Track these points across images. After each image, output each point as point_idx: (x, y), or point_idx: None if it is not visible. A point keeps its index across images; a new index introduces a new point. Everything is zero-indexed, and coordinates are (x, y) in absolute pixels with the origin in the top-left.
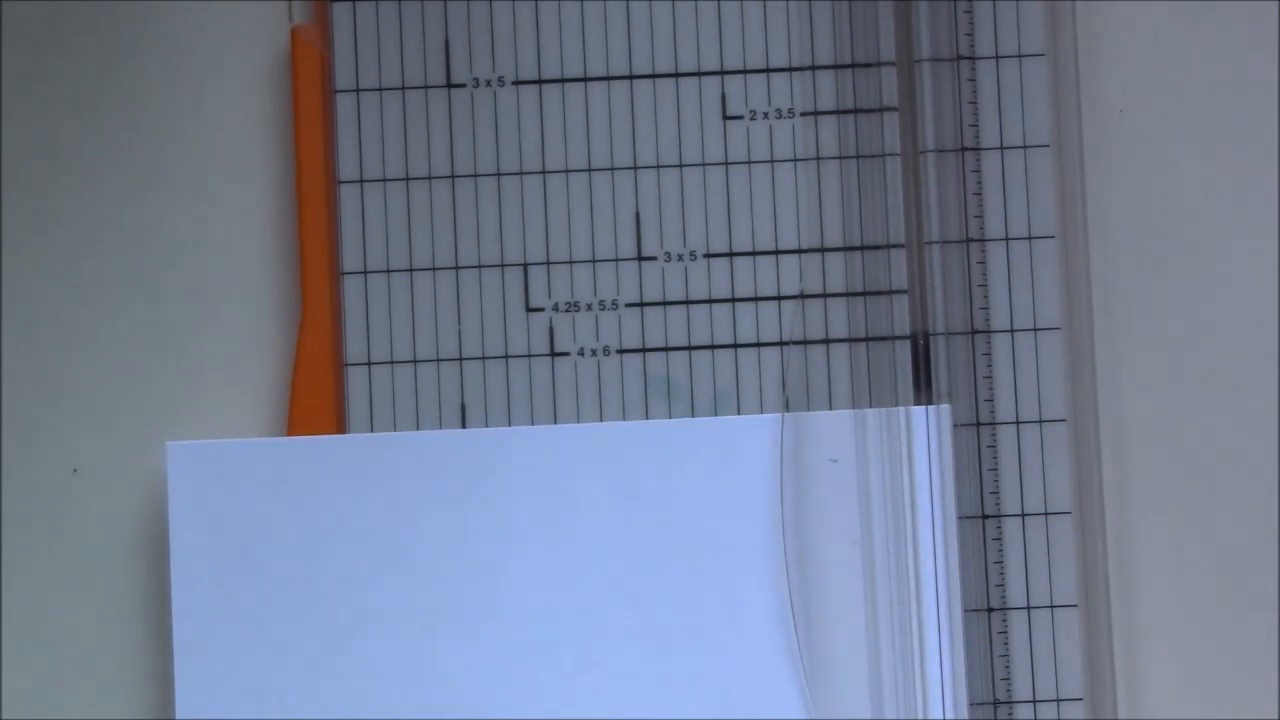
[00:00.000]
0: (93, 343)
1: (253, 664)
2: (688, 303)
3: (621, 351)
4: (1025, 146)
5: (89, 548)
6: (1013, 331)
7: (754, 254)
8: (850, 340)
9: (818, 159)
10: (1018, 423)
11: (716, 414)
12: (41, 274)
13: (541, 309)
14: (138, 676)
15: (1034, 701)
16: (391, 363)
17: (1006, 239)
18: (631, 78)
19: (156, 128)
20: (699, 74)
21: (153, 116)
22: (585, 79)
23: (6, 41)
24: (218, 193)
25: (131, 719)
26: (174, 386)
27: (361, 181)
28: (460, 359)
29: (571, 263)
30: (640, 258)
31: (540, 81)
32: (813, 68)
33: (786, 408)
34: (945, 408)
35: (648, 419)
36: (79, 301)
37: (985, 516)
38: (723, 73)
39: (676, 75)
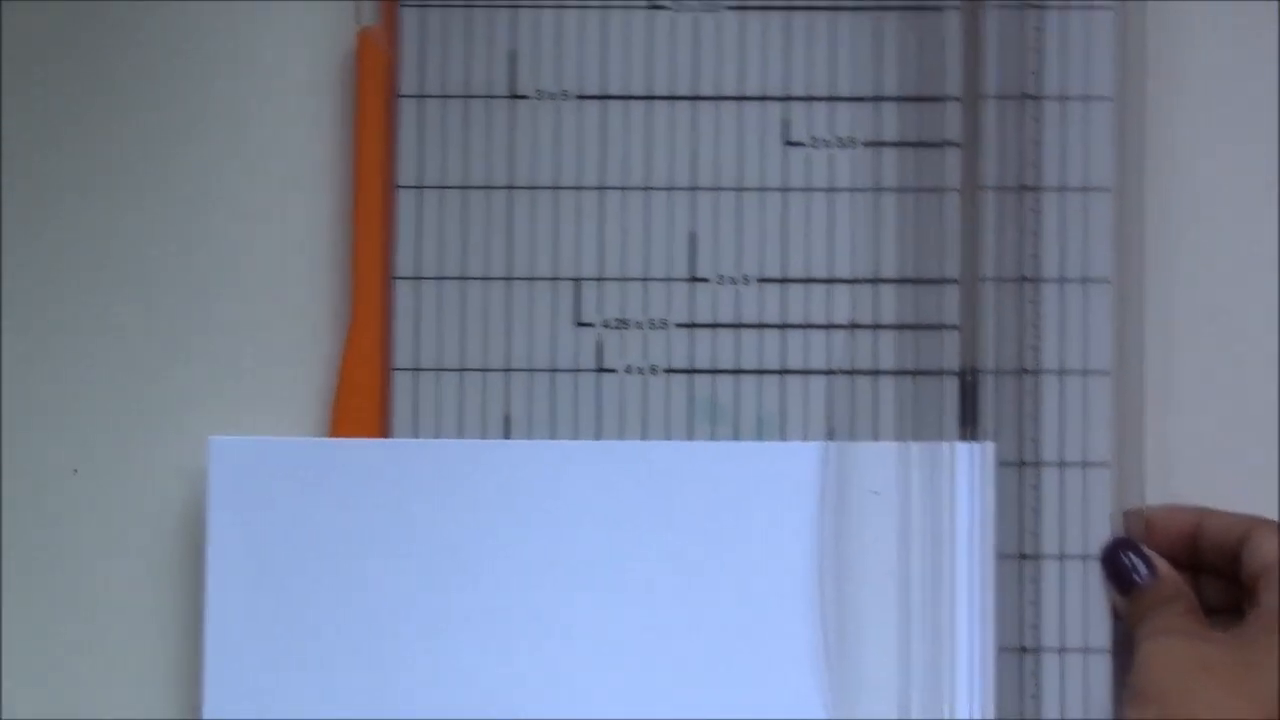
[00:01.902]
0: (143, 337)
1: (282, 663)
2: (738, 326)
3: (669, 371)
4: (1086, 189)
5: (130, 539)
6: (1061, 373)
7: (807, 281)
8: (898, 373)
9: (877, 190)
10: (1061, 464)
11: (760, 439)
12: (97, 270)
13: (591, 324)
14: (168, 670)
15: None
16: (438, 370)
17: (1061, 280)
18: (695, 98)
19: (218, 126)
20: (763, 98)
21: (214, 114)
22: (649, 97)
23: (50, 42)
24: (275, 191)
25: (160, 718)
26: (221, 383)
27: (420, 187)
28: (507, 370)
29: (624, 280)
30: (693, 279)
31: (604, 97)
32: (877, 98)
33: (830, 436)
34: (989, 445)
35: (691, 440)
36: (131, 296)
37: (1023, 556)
38: (787, 98)
39: (740, 99)
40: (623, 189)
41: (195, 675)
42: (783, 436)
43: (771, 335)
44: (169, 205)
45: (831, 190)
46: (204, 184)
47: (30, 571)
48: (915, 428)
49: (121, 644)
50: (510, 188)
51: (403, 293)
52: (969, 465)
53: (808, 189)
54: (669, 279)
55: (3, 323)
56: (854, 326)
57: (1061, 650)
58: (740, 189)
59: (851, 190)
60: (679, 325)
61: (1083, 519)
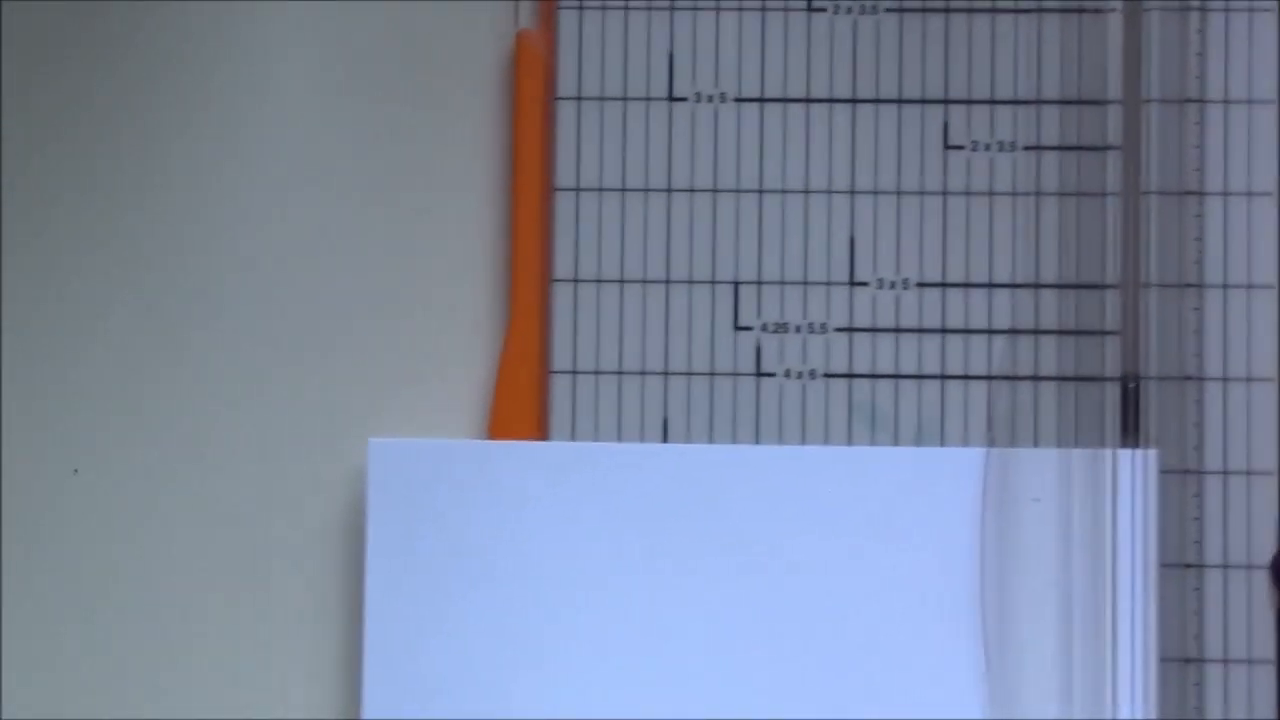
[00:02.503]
0: (303, 340)
1: (441, 663)
2: (897, 330)
3: (828, 375)
4: (1250, 194)
5: (290, 542)
6: (1225, 380)
7: (967, 286)
8: (1059, 379)
9: (1037, 194)
10: (1225, 473)
11: (919, 444)
12: (264, 269)
13: (750, 328)
14: (326, 668)
15: None
16: (597, 373)
17: (1224, 286)
18: (855, 101)
19: (380, 126)
20: (923, 101)
21: (376, 114)
22: (808, 100)
23: (212, 34)
24: (434, 194)
25: (319, 718)
26: (379, 384)
27: (578, 190)
28: (665, 373)
29: (783, 284)
30: (852, 283)
31: (762, 100)
32: (1038, 101)
33: (991, 443)
34: (1152, 452)
35: (850, 445)
36: (291, 297)
37: (1186, 565)
38: (946, 101)
39: (900, 101)
40: (782, 192)
41: (355, 676)
42: (942, 442)
43: (931, 340)
44: (333, 205)
45: (992, 194)
46: (366, 187)
47: (190, 572)
48: (1078, 434)
49: (283, 644)
50: (669, 190)
51: (561, 295)
52: (1131, 473)
53: (967, 193)
54: (829, 283)
55: (112, 318)
56: (1014, 331)
57: (1225, 661)
58: (899, 193)
59: (1012, 194)
60: (838, 329)
61: (1247, 528)
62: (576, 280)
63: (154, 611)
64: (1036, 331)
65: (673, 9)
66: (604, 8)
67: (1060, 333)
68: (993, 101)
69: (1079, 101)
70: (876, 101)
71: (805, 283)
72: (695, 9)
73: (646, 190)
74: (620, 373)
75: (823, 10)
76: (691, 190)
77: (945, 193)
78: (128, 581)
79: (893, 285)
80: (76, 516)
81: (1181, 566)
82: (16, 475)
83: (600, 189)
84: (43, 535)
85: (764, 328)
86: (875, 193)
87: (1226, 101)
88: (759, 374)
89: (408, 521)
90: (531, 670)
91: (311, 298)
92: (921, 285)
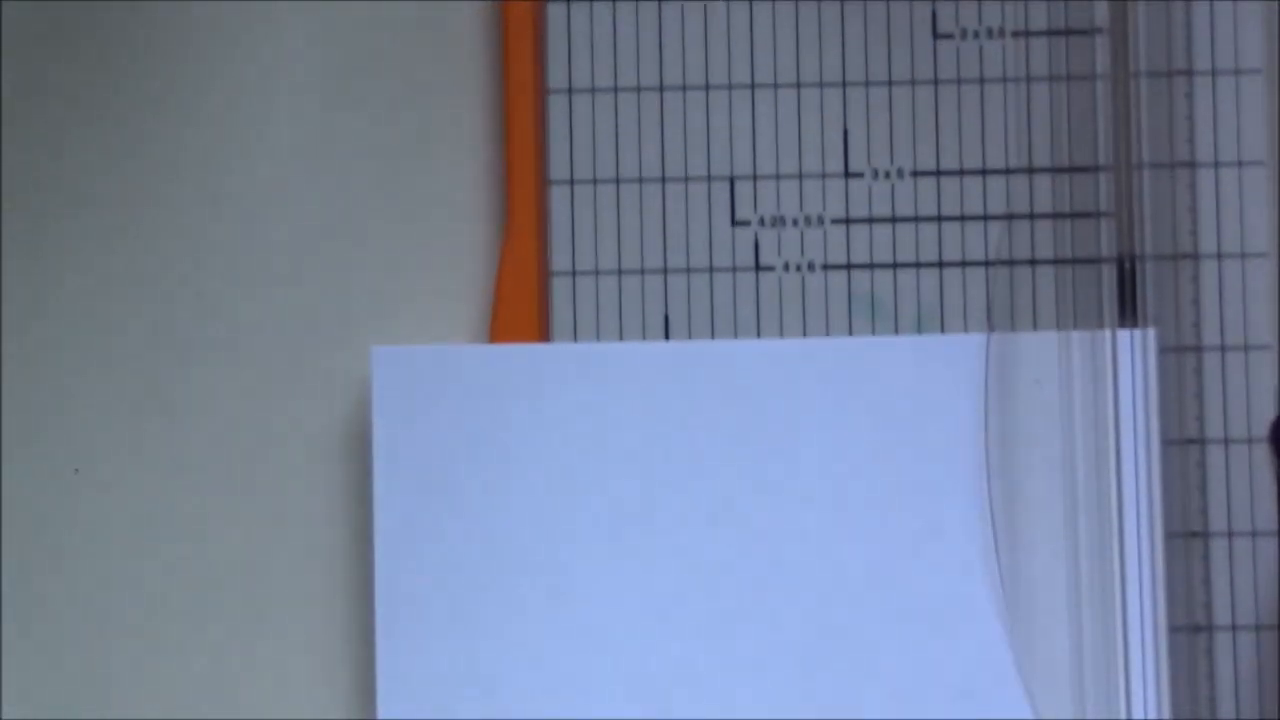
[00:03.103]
0: (301, 250)
1: (450, 564)
2: (893, 220)
3: (826, 268)
4: (1238, 71)
5: (295, 451)
6: (1220, 257)
7: (961, 174)
8: (1056, 262)
9: (1028, 80)
10: (1223, 349)
11: (920, 333)
12: (252, 181)
13: (747, 223)
14: (335, 572)
15: (1233, 628)
16: (596, 273)
17: (1216, 164)
18: None
19: (374, 34)
20: None
21: (369, 22)
22: None
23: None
24: (428, 99)
25: (327, 621)
26: (379, 293)
27: (570, 91)
28: (665, 271)
29: (778, 177)
30: (847, 174)
31: None
32: None
33: (991, 328)
34: (1150, 331)
35: (851, 336)
36: (286, 211)
37: (1188, 441)
38: None
39: None
40: (774, 86)
41: (366, 579)
42: (943, 330)
43: (927, 228)
44: (329, 116)
45: (983, 81)
46: (361, 97)
47: (196, 490)
48: (1076, 317)
49: (290, 547)
50: (661, 89)
51: (558, 197)
52: (1130, 352)
53: (958, 80)
54: (824, 175)
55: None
56: (1010, 217)
57: (1229, 534)
58: (891, 83)
59: (1003, 81)
60: (835, 221)
61: (1247, 402)
62: (573, 182)
63: (154, 610)
64: (1032, 216)
65: None
66: None
67: (1055, 216)
68: None
69: None
70: None
71: (800, 176)
72: None
73: (639, 89)
74: (620, 272)
75: None
76: (684, 88)
77: (936, 81)
78: (128, 580)
79: (887, 175)
80: (76, 515)
81: (1183, 442)
82: (16, 475)
83: (593, 90)
84: (43, 535)
85: (761, 222)
86: (867, 84)
87: None
88: (758, 268)
89: (413, 427)
90: (540, 569)
91: (307, 210)
92: (916, 174)
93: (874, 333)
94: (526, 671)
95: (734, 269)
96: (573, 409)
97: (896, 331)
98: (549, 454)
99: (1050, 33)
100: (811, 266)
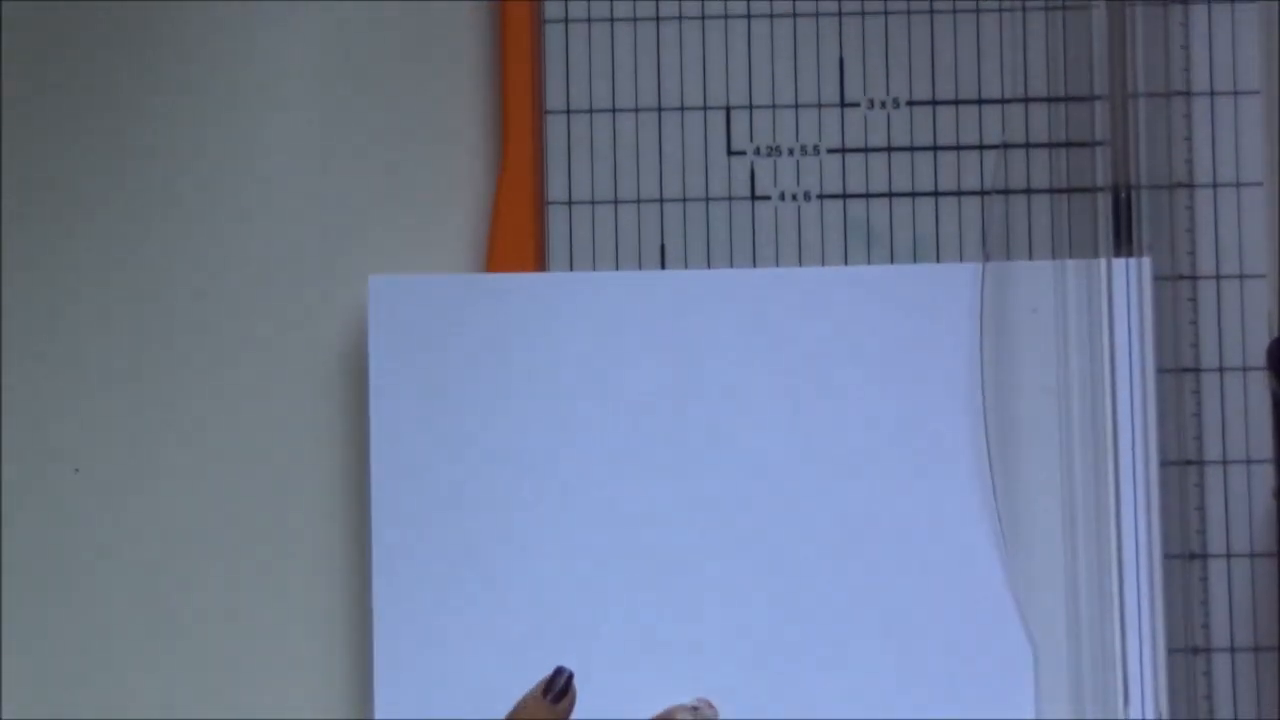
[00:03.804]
0: (298, 181)
1: (445, 489)
2: (889, 149)
3: (822, 197)
4: (1232, 1)
5: (294, 377)
6: (1215, 186)
7: (956, 103)
8: (1052, 191)
9: (1024, 9)
10: (1218, 277)
11: (915, 261)
12: (250, 114)
13: (743, 152)
14: (330, 500)
15: (1228, 556)
16: (592, 202)
17: (1211, 93)
18: None
19: None
20: None
21: None
22: None
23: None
24: (424, 30)
25: (320, 541)
26: (377, 224)
27: (566, 21)
28: (661, 200)
29: (774, 107)
30: (843, 104)
31: None
32: None
33: (987, 257)
34: (1145, 260)
35: (847, 264)
36: (286, 138)
37: (1183, 370)
38: None
39: None
40: (770, 17)
41: (363, 501)
42: (938, 258)
43: (923, 157)
44: (326, 47)
45: (978, 11)
46: (358, 27)
47: (196, 432)
48: (1071, 245)
49: (286, 472)
50: (657, 19)
51: (554, 127)
52: (1126, 280)
53: (953, 11)
54: (819, 105)
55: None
56: (1006, 146)
57: (1224, 462)
58: (886, 13)
59: (999, 10)
60: (830, 150)
61: (1241, 330)
62: (569, 111)
63: (153, 608)
64: (1027, 145)
65: None
66: None
67: (1050, 145)
68: None
69: None
70: None
71: (796, 105)
72: None
73: (635, 20)
74: (616, 202)
75: None
76: (680, 18)
77: (932, 11)
78: (126, 581)
79: (883, 105)
80: (77, 514)
81: (1178, 370)
82: (16, 475)
83: (589, 20)
84: (43, 535)
85: (757, 151)
86: (863, 14)
87: None
88: (754, 197)
89: (410, 355)
90: (532, 491)
91: (305, 143)
92: (912, 104)
93: (870, 261)
94: (522, 598)
95: (730, 198)
96: (569, 337)
97: (892, 260)
98: (545, 382)
99: None
100: (807, 196)
